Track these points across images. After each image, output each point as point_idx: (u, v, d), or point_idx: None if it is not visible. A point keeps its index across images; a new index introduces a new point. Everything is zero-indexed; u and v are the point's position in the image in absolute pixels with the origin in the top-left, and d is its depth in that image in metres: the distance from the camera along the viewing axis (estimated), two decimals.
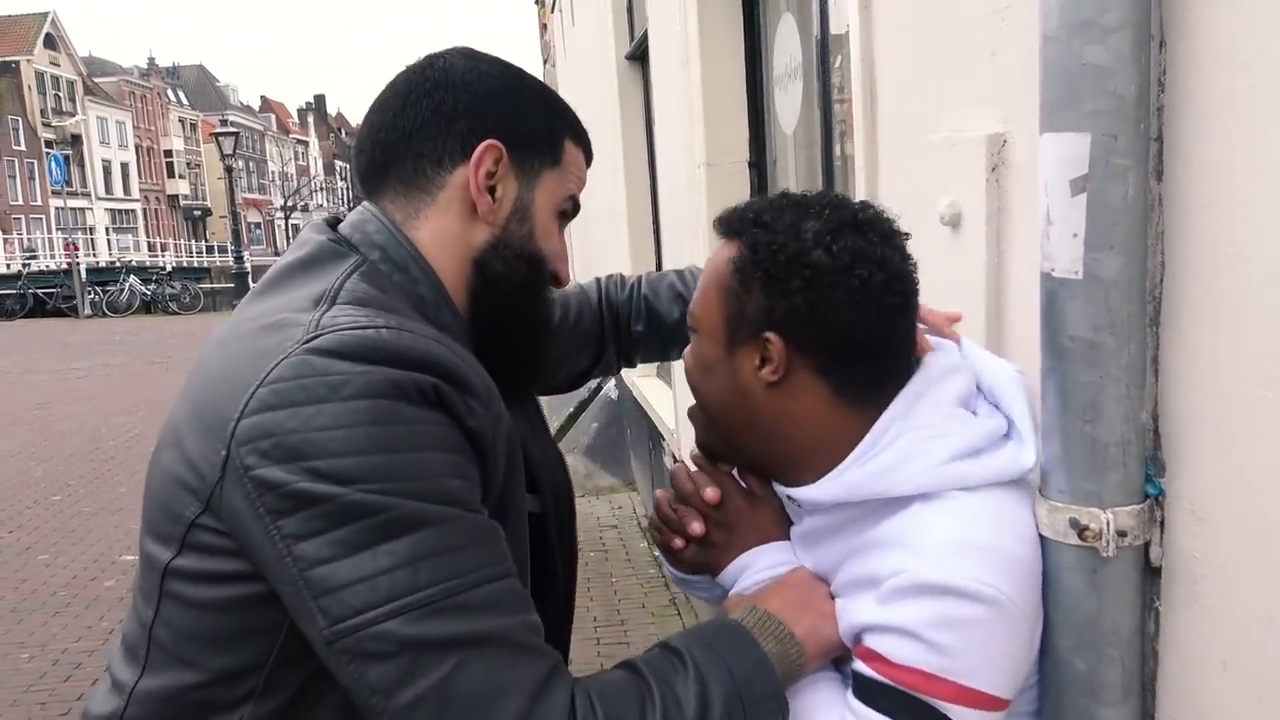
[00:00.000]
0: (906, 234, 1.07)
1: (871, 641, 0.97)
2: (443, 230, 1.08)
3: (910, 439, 1.01)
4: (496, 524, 0.94)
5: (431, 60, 1.12)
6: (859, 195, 1.84)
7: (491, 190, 1.08)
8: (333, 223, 1.13)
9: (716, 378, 1.09)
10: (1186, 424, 0.99)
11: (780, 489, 1.12)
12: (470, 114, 1.08)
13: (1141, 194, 0.96)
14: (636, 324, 1.53)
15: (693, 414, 1.16)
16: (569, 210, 1.16)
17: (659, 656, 0.97)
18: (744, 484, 1.17)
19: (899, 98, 1.68)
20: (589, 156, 1.19)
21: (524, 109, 1.11)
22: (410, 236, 1.07)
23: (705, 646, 0.97)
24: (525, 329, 1.14)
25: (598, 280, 1.59)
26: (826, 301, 1.00)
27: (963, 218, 1.38)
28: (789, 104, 3.02)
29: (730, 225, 1.09)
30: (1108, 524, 0.99)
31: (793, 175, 3.14)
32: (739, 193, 3.35)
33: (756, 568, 1.12)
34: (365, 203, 1.12)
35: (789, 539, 1.14)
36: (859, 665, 0.98)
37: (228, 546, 0.93)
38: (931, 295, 1.54)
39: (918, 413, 1.03)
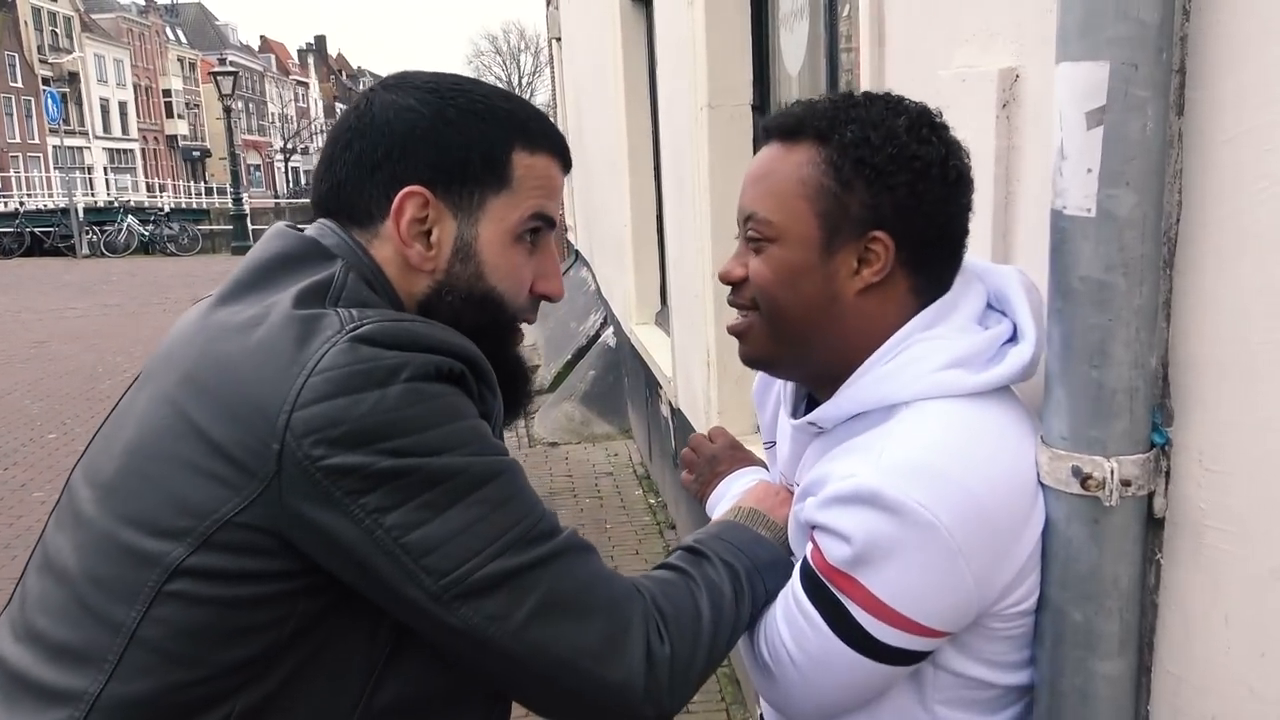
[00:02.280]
0: None
1: (815, 533, 1.02)
2: (391, 277, 1.04)
3: (916, 348, 1.02)
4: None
5: (360, 100, 1.07)
6: None
7: (428, 234, 1.04)
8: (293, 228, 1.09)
9: (805, 285, 1.05)
10: (1198, 371, 0.95)
11: (788, 425, 1.17)
12: (389, 161, 1.03)
13: (1161, 128, 0.91)
14: None
15: (743, 331, 1.11)
16: (539, 227, 1.08)
17: (685, 554, 1.11)
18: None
19: (908, 33, 1.62)
20: (562, 156, 1.10)
21: (449, 139, 1.03)
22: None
23: (715, 538, 1.12)
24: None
25: None
26: (931, 194, 1.01)
27: (971, 156, 1.33)
28: (794, 45, 2.95)
29: (798, 127, 1.05)
30: (1111, 473, 0.95)
31: None
32: (742, 136, 3.28)
33: (732, 491, 1.28)
34: (323, 220, 1.07)
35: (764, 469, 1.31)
36: (806, 553, 1.04)
37: (264, 545, 0.91)
38: None
39: (937, 324, 1.03)
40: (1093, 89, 0.91)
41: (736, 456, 1.36)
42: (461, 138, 1.03)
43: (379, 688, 0.97)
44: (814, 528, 1.02)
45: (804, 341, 1.08)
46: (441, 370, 0.94)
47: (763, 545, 1.12)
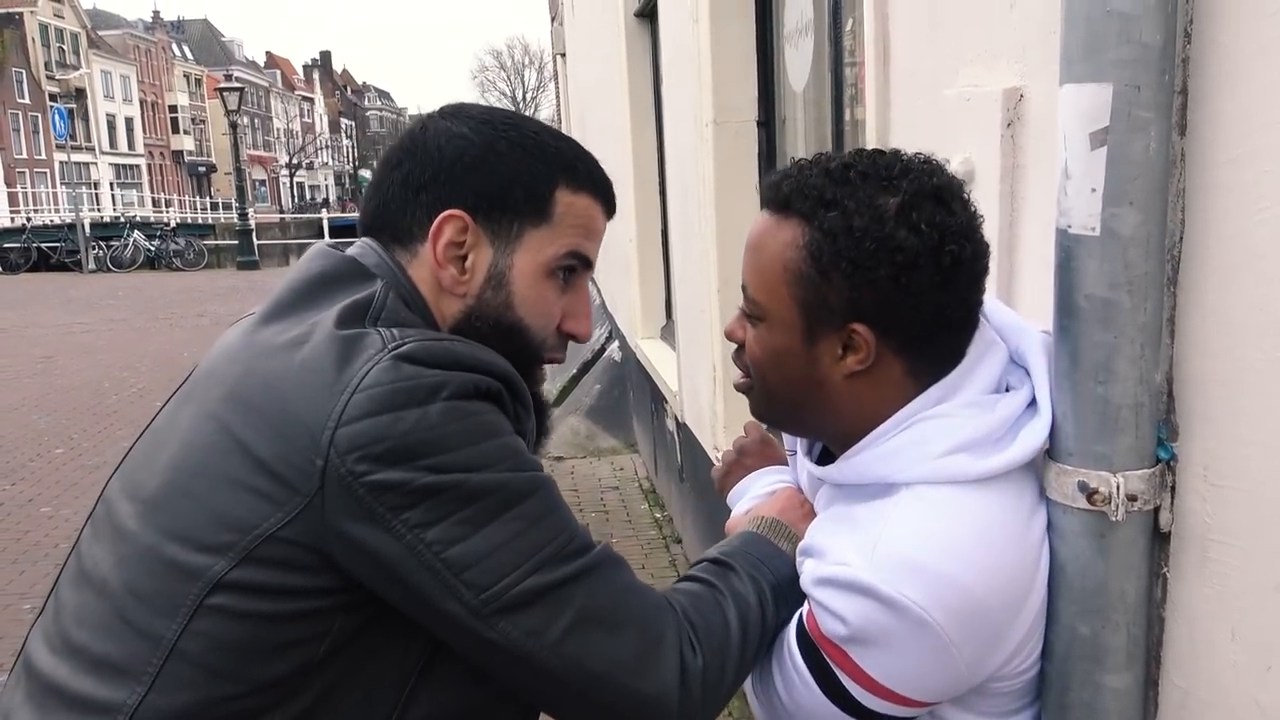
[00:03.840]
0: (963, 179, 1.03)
1: (811, 602, 1.01)
2: (426, 298, 1.07)
3: (922, 427, 0.99)
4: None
5: (416, 124, 1.10)
6: None
7: (464, 259, 1.06)
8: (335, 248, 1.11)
9: (790, 368, 1.04)
10: (1202, 387, 0.97)
11: (806, 463, 1.15)
12: (435, 184, 1.05)
13: (1164, 148, 0.93)
14: None
15: (745, 390, 1.12)
16: (574, 266, 1.10)
17: (711, 566, 1.11)
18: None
19: (913, 52, 1.64)
20: (605, 200, 1.11)
21: (496, 169, 1.05)
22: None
23: (739, 551, 1.13)
24: None
25: None
26: (918, 285, 0.95)
27: (976, 175, 1.35)
28: (799, 61, 2.97)
29: (788, 201, 1.00)
30: (1118, 488, 0.96)
31: (802, 135, 3.10)
32: (747, 152, 3.30)
33: (754, 489, 1.27)
34: (366, 239, 1.10)
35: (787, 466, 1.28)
36: (803, 612, 1.03)
37: (305, 561, 0.92)
38: None
39: (947, 400, 1.00)
40: (1096, 110, 0.93)
41: (766, 453, 1.34)
42: (508, 169, 1.06)
43: (412, 702, 0.98)
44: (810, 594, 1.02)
45: (799, 415, 1.09)
46: (480, 388, 0.96)
47: (783, 560, 1.12)
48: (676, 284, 4.44)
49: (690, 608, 1.03)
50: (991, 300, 1.10)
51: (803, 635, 1.02)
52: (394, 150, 1.09)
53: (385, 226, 1.08)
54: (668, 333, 5.37)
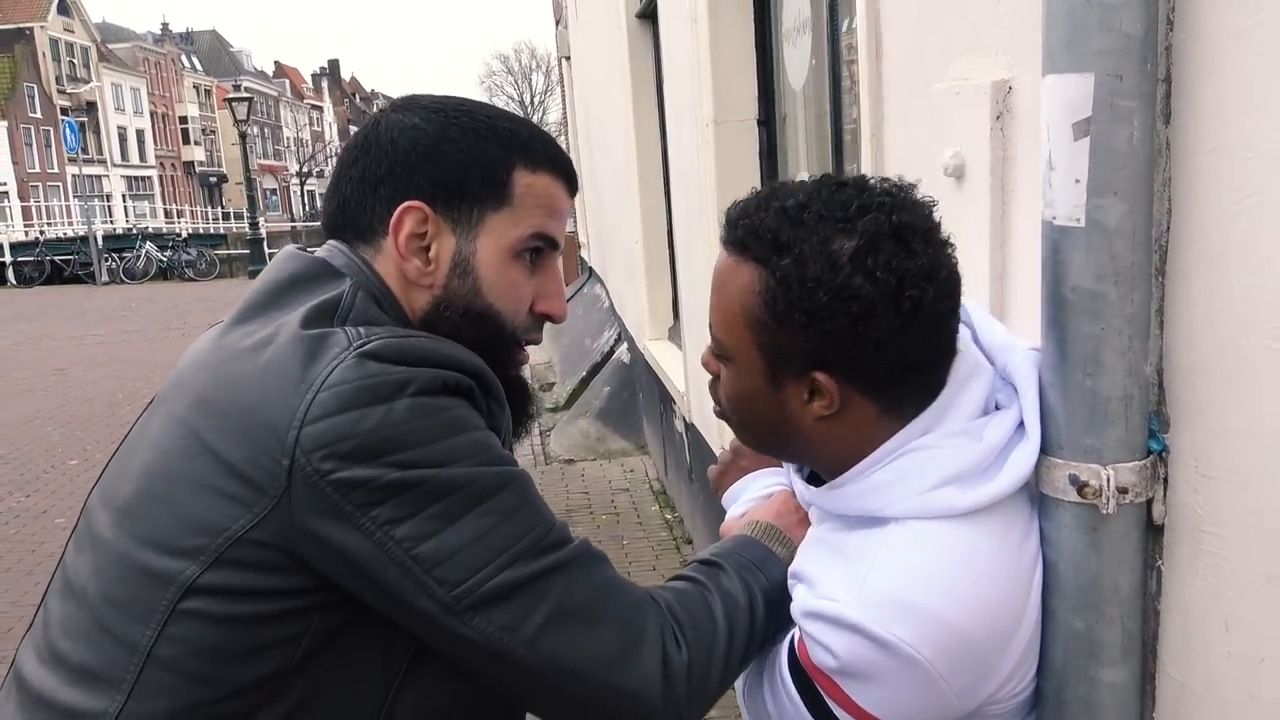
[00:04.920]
0: (934, 202, 0.99)
1: (801, 631, 1.00)
2: (395, 292, 1.06)
3: (909, 459, 0.97)
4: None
5: (369, 121, 1.10)
6: (864, 150, 1.80)
7: (427, 250, 1.05)
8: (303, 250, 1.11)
9: (759, 409, 1.02)
10: (1192, 377, 0.96)
11: (796, 480, 1.15)
12: (391, 177, 1.05)
13: (1148, 137, 0.92)
14: None
15: (724, 419, 1.10)
16: (540, 248, 1.09)
17: (700, 566, 1.11)
18: None
19: (904, 47, 1.64)
20: (565, 177, 1.10)
21: (450, 156, 1.05)
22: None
23: (731, 553, 1.12)
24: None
25: None
26: (877, 331, 0.91)
27: (966, 169, 1.34)
28: (798, 59, 2.96)
29: (744, 243, 0.96)
30: (1108, 480, 0.96)
31: (802, 133, 3.09)
32: (748, 151, 3.30)
33: (749, 491, 1.25)
34: (332, 241, 1.09)
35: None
36: (795, 636, 1.02)
37: (276, 562, 0.92)
38: None
39: (933, 430, 0.98)
40: (1079, 100, 0.92)
41: (761, 454, 1.29)
42: (462, 155, 1.05)
43: (398, 701, 0.98)
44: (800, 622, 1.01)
45: (778, 448, 1.10)
46: (449, 384, 0.95)
47: (776, 563, 1.12)
48: (682, 285, 4.44)
49: (676, 603, 1.03)
50: (979, 314, 1.08)
51: (794, 660, 1.01)
52: (349, 148, 1.09)
53: (347, 225, 1.08)
54: (675, 334, 5.37)
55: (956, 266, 0.96)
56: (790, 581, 1.06)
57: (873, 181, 0.97)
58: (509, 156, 1.06)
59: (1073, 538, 0.99)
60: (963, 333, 1.02)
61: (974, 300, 1.29)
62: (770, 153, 3.29)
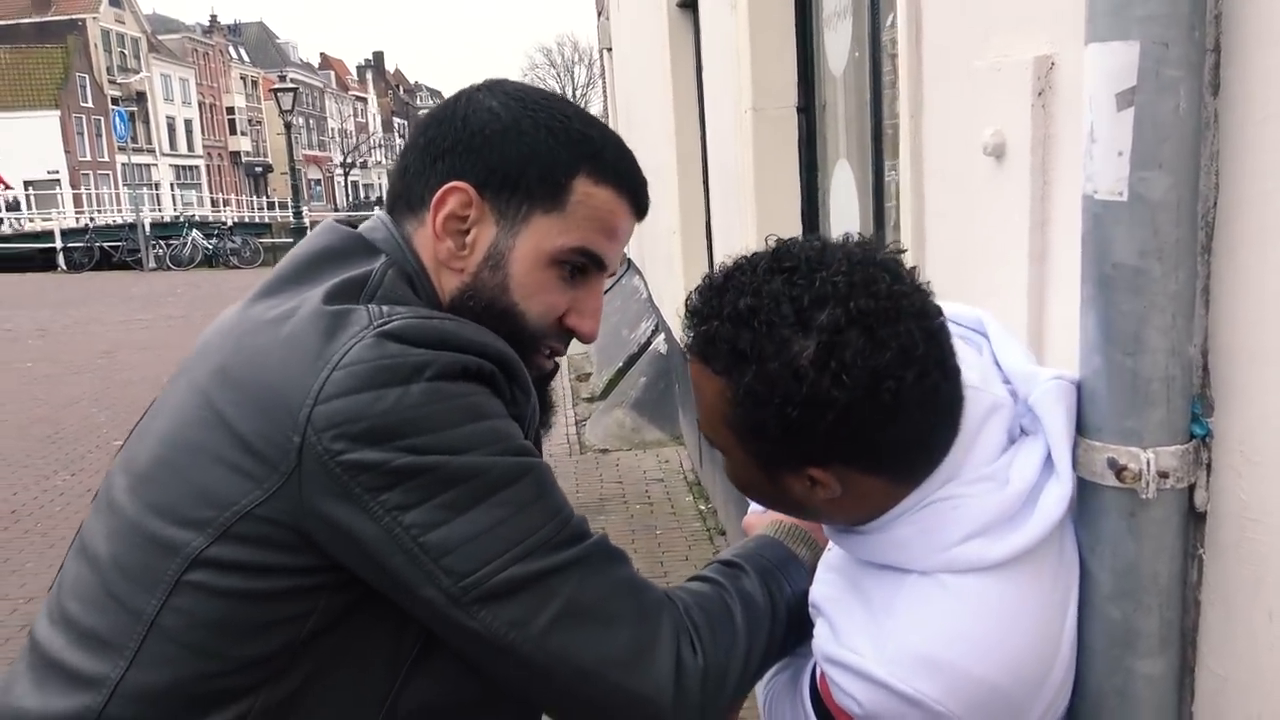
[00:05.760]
0: (903, 250, 0.93)
1: (824, 672, 0.97)
2: (429, 271, 1.05)
3: (931, 513, 0.93)
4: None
5: (455, 96, 1.08)
6: (903, 132, 1.76)
7: (465, 234, 1.03)
8: (345, 224, 1.11)
9: (765, 494, 1.00)
10: (1239, 359, 0.92)
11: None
12: (453, 154, 1.03)
13: (1195, 108, 0.88)
14: None
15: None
16: (585, 265, 1.05)
17: (720, 567, 1.08)
18: None
19: (944, 24, 1.60)
20: (632, 197, 1.06)
21: (514, 146, 1.02)
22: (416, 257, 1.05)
23: (752, 554, 1.10)
24: None
25: None
26: (861, 426, 0.86)
27: (1006, 147, 1.31)
28: (838, 45, 2.92)
29: (704, 355, 0.91)
30: (1148, 464, 0.92)
31: (842, 120, 3.05)
32: (787, 139, 3.26)
33: None
34: (380, 214, 1.09)
35: None
36: (817, 670, 0.99)
37: (284, 539, 0.91)
38: (972, 232, 1.48)
39: (954, 479, 0.94)
40: (1123, 70, 0.89)
41: None
42: (526, 148, 1.02)
43: (405, 689, 0.97)
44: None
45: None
46: (469, 369, 0.93)
47: (798, 566, 1.09)
48: None
49: (694, 606, 1.00)
50: (995, 332, 1.03)
51: (817, 698, 0.99)
52: (427, 115, 1.08)
53: (403, 193, 1.07)
54: None
55: (937, 320, 0.89)
56: (810, 609, 1.03)
57: (828, 253, 0.90)
58: (575, 162, 1.03)
59: (1110, 523, 0.96)
60: (973, 358, 0.97)
61: (1012, 278, 1.26)
62: (810, 140, 3.25)
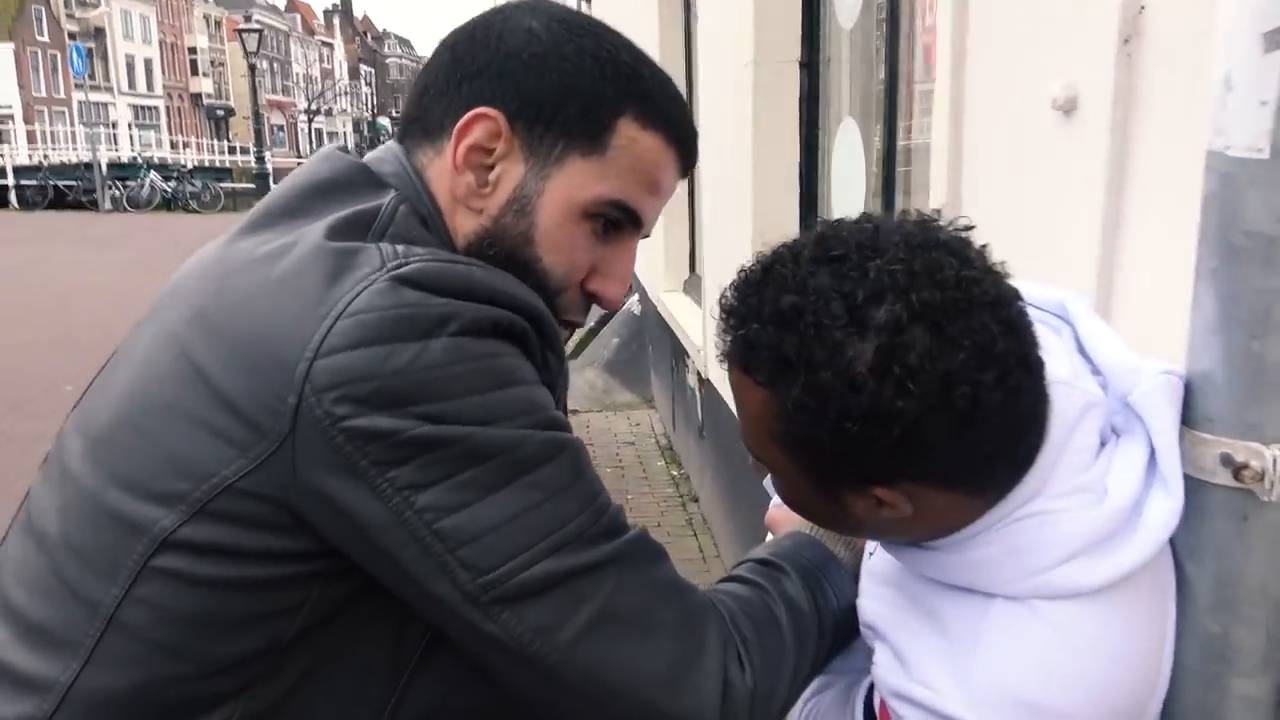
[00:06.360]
0: (970, 227, 0.80)
1: (892, 708, 0.85)
2: (443, 208, 0.90)
3: (1019, 530, 0.81)
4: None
5: (492, 9, 0.92)
6: (940, 83, 1.63)
7: (489, 169, 0.89)
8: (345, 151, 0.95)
9: (822, 516, 0.89)
10: None
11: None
12: (482, 76, 0.88)
13: None
14: None
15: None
16: (620, 220, 0.91)
17: (759, 568, 0.97)
18: None
19: None
20: (681, 149, 0.92)
21: (553, 75, 0.87)
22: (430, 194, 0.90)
23: (791, 554, 0.99)
24: None
25: None
26: (934, 440, 0.74)
27: (1079, 101, 1.18)
28: None
29: (745, 365, 0.78)
30: (1273, 463, 0.81)
31: (846, 77, 2.91)
32: (788, 95, 3.12)
33: None
34: (392, 144, 0.94)
35: None
36: (875, 697, 0.90)
37: (271, 518, 0.77)
38: (1025, 198, 1.35)
39: (1043, 492, 0.82)
40: (1272, 4, 0.76)
41: None
42: (567, 78, 0.88)
43: (409, 693, 0.84)
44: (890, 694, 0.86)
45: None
46: (500, 325, 0.80)
47: (838, 568, 0.99)
48: (705, 235, 4.28)
49: (740, 614, 0.88)
50: (1084, 317, 0.90)
51: None
52: (454, 31, 0.93)
53: (420, 116, 0.91)
54: (691, 286, 5.21)
55: (1022, 317, 0.78)
56: (863, 629, 0.92)
57: (883, 236, 0.77)
58: (621, 99, 0.89)
59: (1217, 526, 0.84)
60: (1058, 346, 0.85)
61: (1078, 251, 1.14)
62: (811, 97, 3.11)
